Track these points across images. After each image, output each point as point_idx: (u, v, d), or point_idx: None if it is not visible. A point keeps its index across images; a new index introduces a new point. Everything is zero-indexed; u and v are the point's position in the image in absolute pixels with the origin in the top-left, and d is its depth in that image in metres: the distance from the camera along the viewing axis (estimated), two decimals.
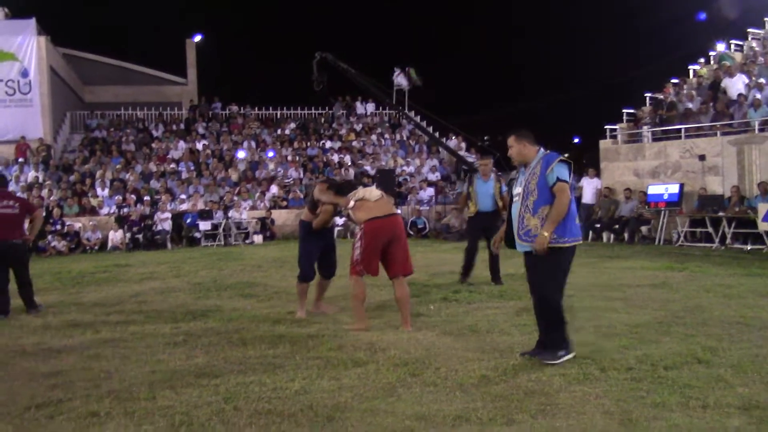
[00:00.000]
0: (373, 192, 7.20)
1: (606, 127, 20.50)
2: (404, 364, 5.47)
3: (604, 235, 18.05)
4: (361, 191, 7.22)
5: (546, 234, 5.39)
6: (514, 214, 5.69)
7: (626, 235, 17.41)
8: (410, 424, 4.09)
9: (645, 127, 19.25)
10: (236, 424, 4.16)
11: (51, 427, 4.20)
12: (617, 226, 17.79)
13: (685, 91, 20.17)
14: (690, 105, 19.19)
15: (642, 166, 18.78)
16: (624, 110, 20.72)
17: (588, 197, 19.28)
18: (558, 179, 5.48)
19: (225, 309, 8.42)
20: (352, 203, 7.09)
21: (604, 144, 20.17)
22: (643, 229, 17.46)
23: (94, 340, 6.87)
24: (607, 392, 4.66)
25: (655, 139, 18.88)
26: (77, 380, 5.26)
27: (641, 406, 4.37)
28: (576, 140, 52.33)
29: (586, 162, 27.03)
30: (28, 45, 25.47)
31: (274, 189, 23.72)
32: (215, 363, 5.72)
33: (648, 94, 20.76)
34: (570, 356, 5.44)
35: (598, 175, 19.72)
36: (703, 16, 28.82)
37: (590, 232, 18.18)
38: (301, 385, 4.95)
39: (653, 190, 17.44)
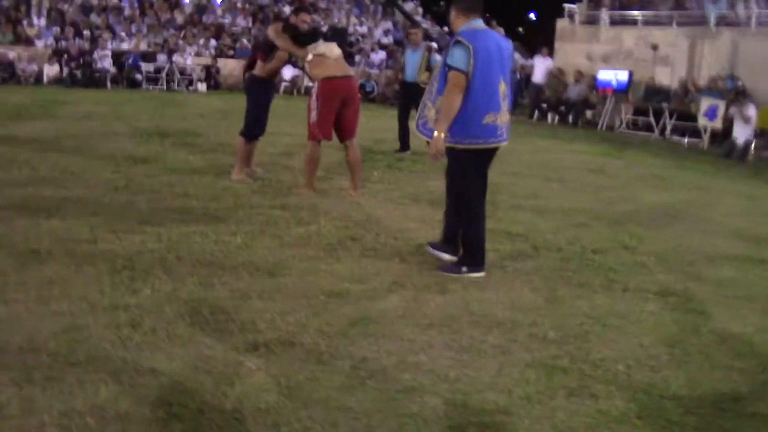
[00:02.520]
0: (334, 49, 6.79)
1: (564, 5, 20.23)
2: (345, 227, 5.59)
3: (549, 116, 18.21)
4: (321, 46, 6.73)
5: (436, 134, 4.51)
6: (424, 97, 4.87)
7: (570, 118, 17.60)
8: (347, 286, 4.23)
9: (603, 10, 19.08)
10: (178, 272, 4.24)
11: None
12: (563, 108, 17.93)
13: None
14: None
15: (596, 49, 18.78)
16: None
17: (538, 77, 19.22)
18: (447, 65, 4.50)
19: (167, 157, 8.31)
20: (310, 56, 6.66)
21: (561, 23, 19.99)
22: (588, 113, 17.67)
23: (32, 177, 6.75)
24: (536, 270, 4.88)
25: (612, 23, 18.79)
26: (16, 217, 5.21)
27: (567, 285, 4.61)
28: (532, 15, 51.48)
29: (539, 39, 26.82)
30: None
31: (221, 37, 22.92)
32: (157, 211, 5.72)
33: None
34: (477, 275, 4.61)
35: (551, 54, 19.63)
36: None
37: (536, 111, 18.32)
38: (243, 240, 5.03)
39: (603, 75, 17.49)
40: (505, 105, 4.61)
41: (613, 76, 17.18)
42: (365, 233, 5.45)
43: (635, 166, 10.58)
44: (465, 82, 4.42)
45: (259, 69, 7.14)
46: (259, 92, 7.23)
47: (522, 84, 20.68)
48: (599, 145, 12.97)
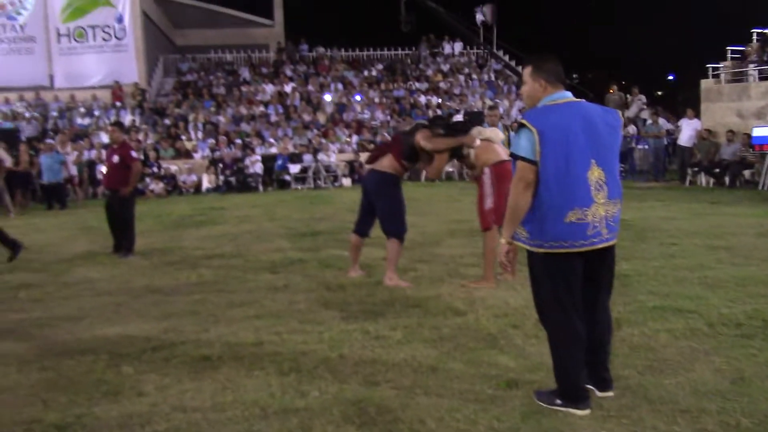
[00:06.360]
0: (499, 133, 6.69)
1: (708, 65, 19.50)
2: (504, 315, 5.45)
3: (703, 179, 17.38)
4: (486, 131, 6.61)
5: (502, 241, 3.74)
6: None
7: (727, 179, 16.69)
8: (514, 377, 4.08)
9: (751, 66, 18.21)
10: (342, 372, 4.25)
11: (167, 370, 4.39)
12: (717, 170, 17.06)
13: None
14: None
15: (746, 106, 17.85)
16: (729, 48, 19.56)
17: (685, 139, 18.52)
18: (511, 153, 3.73)
19: (321, 254, 8.56)
20: (478, 142, 6.50)
21: (706, 84, 19.23)
22: (746, 173, 16.70)
23: (198, 283, 7.13)
24: (716, 349, 4.53)
25: (761, 78, 17.86)
26: (187, 324, 5.48)
27: (753, 364, 4.23)
28: (671, 77, 50.12)
29: (680, 101, 25.91)
30: None
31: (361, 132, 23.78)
32: (316, 309, 5.84)
33: (756, 30, 19.48)
34: (576, 412, 3.56)
35: (697, 116, 18.88)
36: None
37: (687, 176, 17.62)
38: (403, 334, 5.00)
39: (759, 132, 16.54)
40: (601, 195, 3.57)
41: None
42: (525, 319, 5.27)
43: None
44: (533, 173, 3.55)
45: (391, 167, 6.73)
46: (396, 189, 6.79)
47: (669, 149, 20.04)
48: (764, 206, 12.12)
